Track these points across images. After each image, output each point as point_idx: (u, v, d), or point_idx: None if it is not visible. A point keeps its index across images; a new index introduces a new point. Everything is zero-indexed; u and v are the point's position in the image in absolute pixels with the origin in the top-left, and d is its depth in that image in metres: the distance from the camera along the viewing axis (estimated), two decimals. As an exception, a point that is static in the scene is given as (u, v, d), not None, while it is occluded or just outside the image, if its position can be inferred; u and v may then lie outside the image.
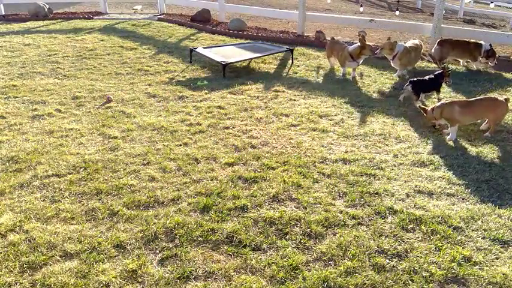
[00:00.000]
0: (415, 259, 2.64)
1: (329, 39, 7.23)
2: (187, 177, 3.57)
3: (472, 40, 6.71)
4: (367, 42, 6.34)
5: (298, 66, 7.13)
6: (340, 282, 2.45)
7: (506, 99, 4.30)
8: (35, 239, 2.78)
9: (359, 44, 6.23)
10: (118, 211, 3.10)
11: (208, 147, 4.14)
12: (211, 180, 3.54)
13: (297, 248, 2.74)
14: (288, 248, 2.73)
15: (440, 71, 5.39)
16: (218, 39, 9.35)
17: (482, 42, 6.51)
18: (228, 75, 6.51)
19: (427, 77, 5.33)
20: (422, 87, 5.28)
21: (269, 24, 11.19)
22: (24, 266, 2.56)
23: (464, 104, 4.35)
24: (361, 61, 6.45)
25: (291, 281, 2.46)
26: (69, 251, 2.68)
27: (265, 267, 2.57)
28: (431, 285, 2.45)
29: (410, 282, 2.46)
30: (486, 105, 4.34)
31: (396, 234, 2.86)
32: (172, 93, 5.71)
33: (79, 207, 3.16)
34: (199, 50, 7.26)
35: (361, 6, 12.18)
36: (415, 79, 5.27)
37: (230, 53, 7.17)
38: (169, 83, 6.17)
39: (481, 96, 4.86)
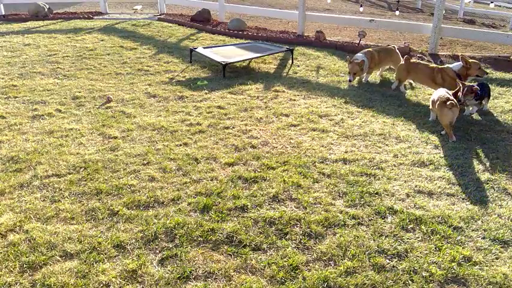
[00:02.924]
0: (415, 259, 2.64)
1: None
2: (187, 177, 3.57)
3: None
4: (470, 59, 5.20)
5: (298, 66, 7.13)
6: (340, 282, 2.45)
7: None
8: (35, 239, 2.78)
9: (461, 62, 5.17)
10: (118, 211, 3.10)
11: (208, 147, 4.14)
12: (211, 180, 3.54)
13: (297, 248, 2.74)
14: (288, 248, 2.73)
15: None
16: (218, 39, 9.35)
17: None
18: (228, 75, 6.51)
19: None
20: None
21: (269, 24, 11.20)
22: (24, 266, 2.56)
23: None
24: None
25: (291, 281, 2.46)
26: (69, 251, 2.68)
27: (265, 267, 2.57)
28: (431, 285, 2.45)
29: (410, 282, 2.46)
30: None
31: (396, 234, 2.86)
32: (172, 93, 5.71)
33: (79, 207, 3.16)
34: (199, 50, 7.26)
35: (361, 6, 12.18)
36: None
37: (230, 53, 7.17)
38: (169, 83, 6.17)
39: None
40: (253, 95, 5.64)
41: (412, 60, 5.74)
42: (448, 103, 4.18)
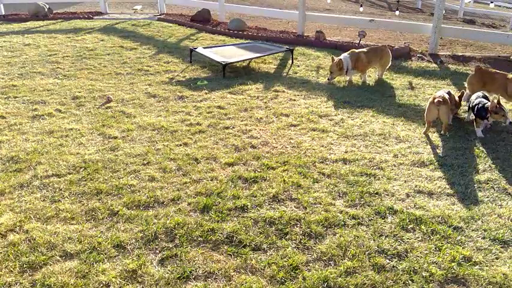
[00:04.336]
0: (415, 259, 2.64)
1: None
2: (187, 177, 3.57)
3: None
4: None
5: (298, 66, 7.13)
6: (340, 282, 2.45)
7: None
8: (35, 239, 2.78)
9: None
10: (118, 211, 3.10)
11: (208, 147, 4.14)
12: (211, 180, 3.54)
13: (297, 248, 2.74)
14: (288, 248, 2.73)
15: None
16: (218, 39, 9.35)
17: None
18: (228, 75, 6.51)
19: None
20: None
21: (269, 24, 11.20)
22: (24, 266, 2.56)
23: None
24: None
25: (291, 281, 2.46)
26: (69, 251, 2.68)
27: (265, 267, 2.57)
28: (431, 285, 2.45)
29: (410, 282, 2.46)
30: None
31: (396, 234, 2.86)
32: (172, 93, 5.71)
33: (79, 207, 3.16)
34: (199, 50, 7.26)
35: (361, 6, 12.18)
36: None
37: (230, 53, 7.17)
38: (169, 83, 6.17)
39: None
40: (253, 95, 5.64)
41: (485, 69, 5.13)
42: (435, 100, 4.21)
